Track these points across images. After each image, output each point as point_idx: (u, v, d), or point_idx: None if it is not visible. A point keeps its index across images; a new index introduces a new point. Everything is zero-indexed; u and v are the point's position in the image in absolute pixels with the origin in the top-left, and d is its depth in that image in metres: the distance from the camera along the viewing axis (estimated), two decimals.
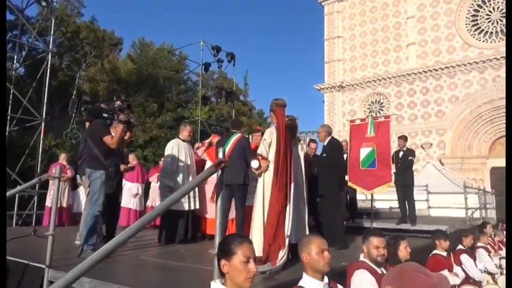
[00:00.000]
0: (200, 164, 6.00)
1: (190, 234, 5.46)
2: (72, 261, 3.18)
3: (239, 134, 5.01)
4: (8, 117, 10.31)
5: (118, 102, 4.43)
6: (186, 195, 5.32)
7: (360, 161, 7.10)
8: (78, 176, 8.62)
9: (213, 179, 5.60)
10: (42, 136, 10.00)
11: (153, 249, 4.74)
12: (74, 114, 4.32)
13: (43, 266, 3.02)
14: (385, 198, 11.08)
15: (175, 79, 23.34)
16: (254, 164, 3.81)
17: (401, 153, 7.37)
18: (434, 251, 4.76)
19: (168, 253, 4.53)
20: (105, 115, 4.21)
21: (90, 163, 4.18)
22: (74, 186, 8.67)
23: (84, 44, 21.97)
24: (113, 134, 4.18)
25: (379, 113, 22.70)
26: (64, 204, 8.30)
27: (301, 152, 4.43)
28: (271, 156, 3.86)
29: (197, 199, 5.60)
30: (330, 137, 5.27)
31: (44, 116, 9.95)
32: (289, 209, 3.80)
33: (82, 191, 8.76)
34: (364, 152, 7.16)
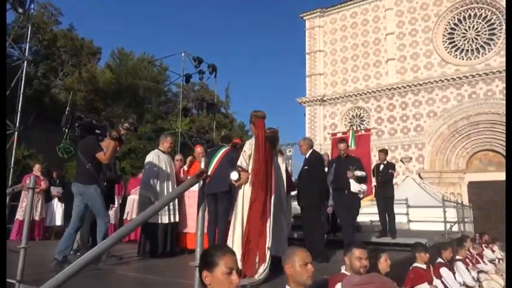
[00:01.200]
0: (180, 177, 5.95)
1: (169, 248, 5.37)
2: (44, 276, 3.09)
3: (227, 147, 5.13)
4: None
5: (126, 124, 4.61)
6: (166, 208, 5.30)
7: None
8: (52, 187, 8.47)
9: (195, 193, 5.63)
10: (15, 146, 9.73)
11: (131, 263, 4.64)
12: (67, 130, 4.48)
13: (13, 281, 2.91)
14: (366, 211, 11.21)
15: (155, 90, 23.19)
16: (233, 175, 3.82)
17: (381, 167, 7.52)
18: (414, 264, 4.84)
19: (146, 267, 4.45)
20: (97, 131, 4.41)
21: (82, 178, 4.31)
22: (47, 198, 8.45)
23: (61, 53, 21.64)
24: (104, 151, 4.34)
25: (360, 126, 23.07)
26: (36, 218, 8.04)
27: (283, 164, 4.46)
28: (251, 168, 3.88)
29: (177, 212, 5.54)
30: (311, 150, 5.34)
31: (17, 126, 9.70)
32: (270, 221, 3.82)
33: (56, 204, 8.54)
34: None
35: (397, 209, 8.55)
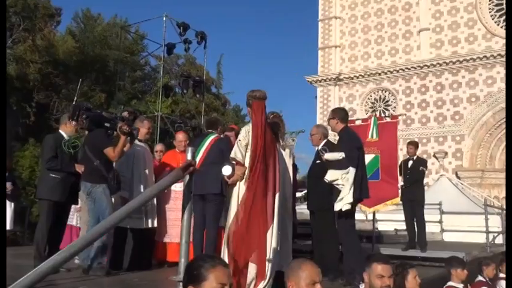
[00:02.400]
0: (160, 170, 5.95)
1: (146, 259, 5.40)
2: None
3: (216, 135, 5.16)
4: None
5: (125, 113, 5.06)
6: (142, 211, 5.30)
7: None
8: None
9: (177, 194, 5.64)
10: None
11: (97, 277, 4.65)
12: (75, 122, 4.95)
13: None
14: (390, 218, 11.31)
15: (129, 63, 23.08)
16: (226, 170, 3.83)
17: (410, 163, 7.53)
18: (449, 283, 4.89)
19: (116, 283, 4.48)
20: (107, 124, 4.79)
21: (89, 176, 4.78)
22: None
23: (10, 14, 21.43)
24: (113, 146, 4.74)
25: (384, 113, 23.06)
26: None
27: (290, 158, 4.47)
28: (249, 162, 3.88)
29: (155, 215, 5.56)
30: (325, 141, 5.34)
31: None
32: (272, 229, 3.83)
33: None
34: (365, 159, 7.30)
35: (428, 215, 8.59)
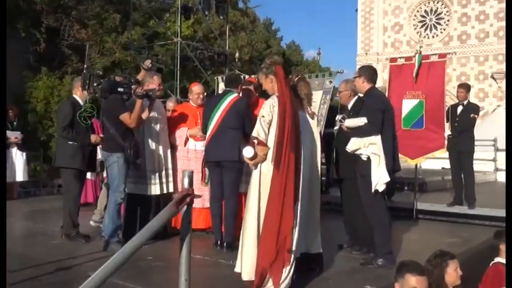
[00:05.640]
0: (174, 125, 5.86)
1: (162, 229, 5.48)
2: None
3: (235, 95, 5.16)
4: None
5: (147, 62, 5.38)
6: (157, 175, 5.44)
7: (401, 118, 7.08)
8: (8, 132, 8.64)
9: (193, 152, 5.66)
10: None
11: (105, 254, 4.58)
12: (86, 92, 5.34)
13: None
14: (438, 156, 11.18)
15: None
16: (247, 152, 3.72)
17: (460, 109, 7.28)
18: (496, 259, 4.72)
19: (127, 263, 4.46)
20: (120, 89, 4.99)
21: (106, 145, 5.24)
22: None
23: None
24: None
25: (436, 28, 22.18)
26: None
27: (317, 127, 4.33)
28: (272, 141, 3.74)
29: (171, 178, 5.60)
30: (355, 98, 5.10)
31: None
32: (298, 209, 3.78)
33: (16, 153, 8.75)
34: (407, 105, 7.20)
35: (481, 152, 8.39)
